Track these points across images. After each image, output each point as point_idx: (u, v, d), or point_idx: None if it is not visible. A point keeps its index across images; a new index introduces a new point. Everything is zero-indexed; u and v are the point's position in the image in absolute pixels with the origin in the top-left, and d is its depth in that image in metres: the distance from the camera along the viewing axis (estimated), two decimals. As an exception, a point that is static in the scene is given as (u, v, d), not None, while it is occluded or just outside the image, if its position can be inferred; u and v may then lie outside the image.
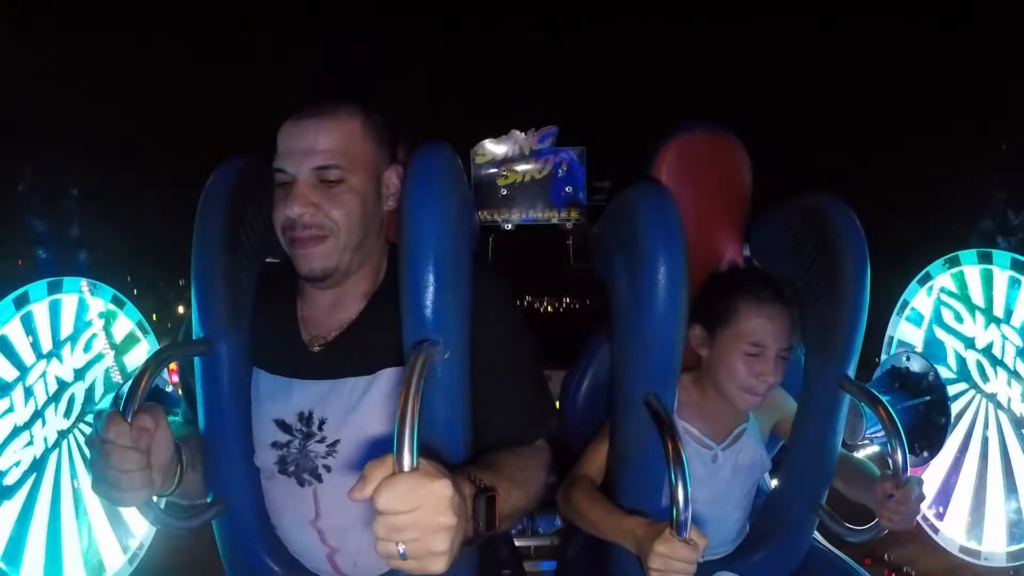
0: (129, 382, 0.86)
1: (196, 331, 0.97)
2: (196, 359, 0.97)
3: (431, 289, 0.83)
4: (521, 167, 1.57)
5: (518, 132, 1.60)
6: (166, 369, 1.36)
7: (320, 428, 0.94)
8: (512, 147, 1.57)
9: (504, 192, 1.56)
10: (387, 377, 0.93)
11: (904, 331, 1.68)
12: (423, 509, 0.60)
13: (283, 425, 0.96)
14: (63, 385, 1.25)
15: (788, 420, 1.23)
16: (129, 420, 0.80)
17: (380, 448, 0.91)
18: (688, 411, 1.17)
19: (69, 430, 1.28)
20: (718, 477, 1.18)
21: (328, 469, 0.94)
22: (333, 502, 0.94)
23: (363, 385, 0.94)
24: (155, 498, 0.88)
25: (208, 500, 0.99)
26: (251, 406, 0.98)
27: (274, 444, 0.96)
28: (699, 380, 1.20)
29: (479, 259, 1.02)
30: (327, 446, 0.94)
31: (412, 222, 0.84)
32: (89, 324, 1.31)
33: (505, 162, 1.58)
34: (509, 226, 1.62)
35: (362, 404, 0.93)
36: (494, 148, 1.58)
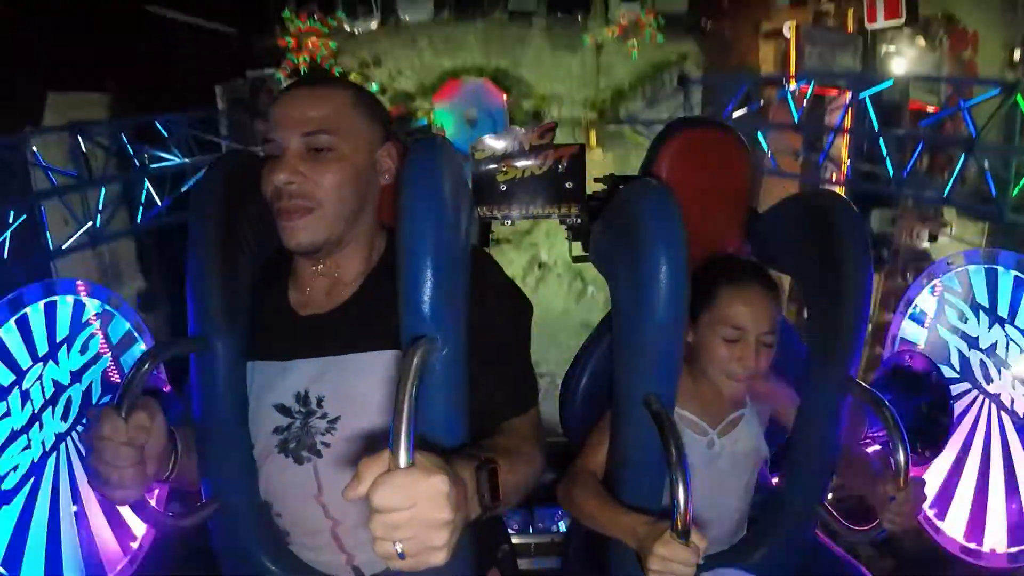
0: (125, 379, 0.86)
1: (192, 328, 0.96)
2: (191, 356, 0.97)
3: (428, 285, 0.82)
4: (521, 163, 1.56)
5: (518, 128, 1.60)
6: (163, 370, 1.36)
7: (319, 405, 0.94)
8: (512, 143, 1.56)
9: (504, 188, 1.55)
10: (385, 360, 0.92)
11: (908, 330, 1.67)
12: (420, 506, 0.60)
13: (282, 409, 0.95)
14: (60, 388, 1.25)
15: (786, 408, 1.23)
16: (124, 416, 0.80)
17: (380, 431, 0.91)
18: (684, 399, 1.17)
19: (67, 433, 1.28)
20: (716, 465, 1.18)
21: (327, 445, 0.94)
22: (334, 476, 0.93)
23: (359, 363, 0.93)
24: (151, 499, 0.88)
25: (204, 499, 0.99)
26: (248, 401, 0.97)
27: (275, 430, 0.95)
28: (693, 368, 1.20)
29: (476, 247, 1.01)
30: (328, 422, 0.93)
31: (409, 219, 0.83)
32: (86, 326, 1.31)
33: (505, 158, 1.57)
34: (509, 222, 1.61)
35: (360, 383, 0.92)
36: (494, 143, 1.57)
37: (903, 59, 5.85)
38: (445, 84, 6.31)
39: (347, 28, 6.16)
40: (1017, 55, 5.35)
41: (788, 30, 6.19)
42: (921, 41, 5.93)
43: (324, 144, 0.91)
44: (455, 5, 6.16)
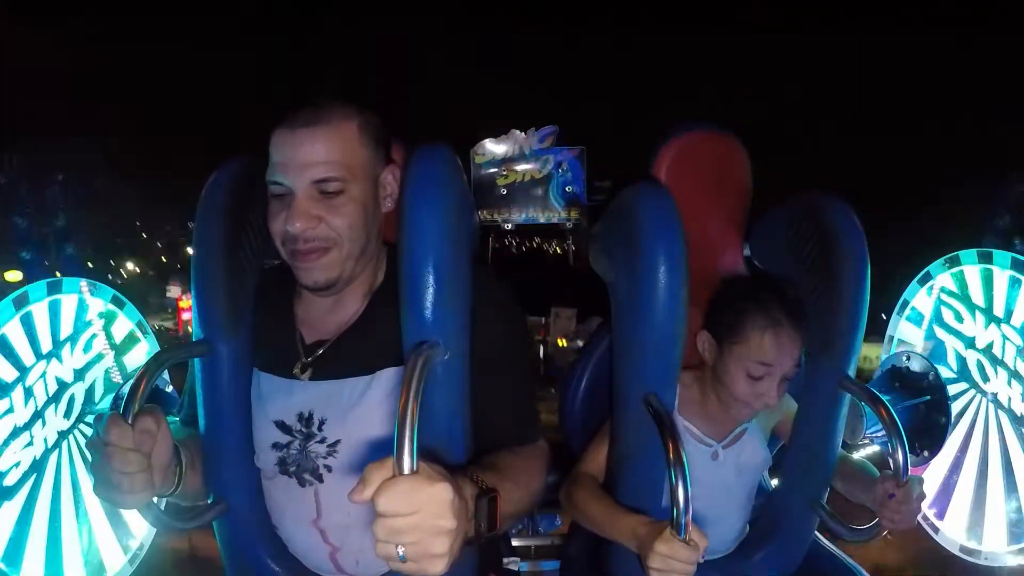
0: (129, 383, 0.86)
1: (196, 332, 0.97)
2: (196, 361, 0.98)
3: (431, 290, 0.83)
4: (521, 167, 1.57)
5: (518, 132, 1.61)
6: (166, 369, 1.36)
7: (320, 428, 0.94)
8: (512, 147, 1.58)
9: (504, 192, 1.56)
10: (387, 377, 0.93)
11: (904, 331, 1.68)
12: (423, 512, 0.61)
13: (283, 426, 0.96)
14: (63, 385, 1.26)
15: (788, 421, 1.23)
16: (130, 422, 0.81)
17: (381, 448, 0.92)
18: (689, 409, 1.17)
19: (69, 431, 1.29)
20: (719, 476, 1.18)
21: (329, 469, 0.94)
22: (334, 502, 0.94)
23: (363, 385, 0.94)
24: (156, 499, 0.88)
25: (209, 501, 1.00)
26: (252, 408, 0.98)
27: (274, 445, 0.96)
28: (701, 379, 1.20)
29: (479, 259, 1.02)
30: (327, 446, 0.94)
31: (412, 224, 0.84)
32: (89, 324, 1.32)
33: (505, 162, 1.58)
34: (509, 226, 1.62)
35: (362, 404, 0.93)
36: (494, 148, 1.57)
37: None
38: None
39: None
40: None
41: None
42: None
43: (334, 189, 0.89)
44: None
